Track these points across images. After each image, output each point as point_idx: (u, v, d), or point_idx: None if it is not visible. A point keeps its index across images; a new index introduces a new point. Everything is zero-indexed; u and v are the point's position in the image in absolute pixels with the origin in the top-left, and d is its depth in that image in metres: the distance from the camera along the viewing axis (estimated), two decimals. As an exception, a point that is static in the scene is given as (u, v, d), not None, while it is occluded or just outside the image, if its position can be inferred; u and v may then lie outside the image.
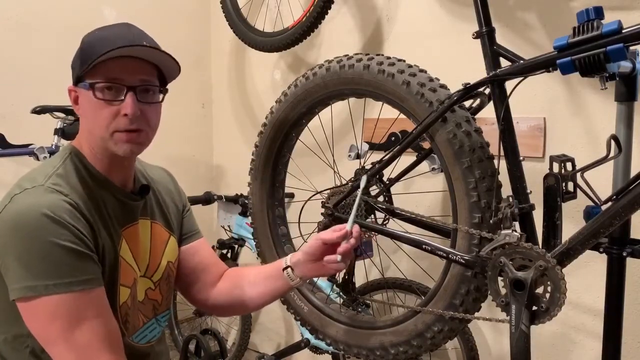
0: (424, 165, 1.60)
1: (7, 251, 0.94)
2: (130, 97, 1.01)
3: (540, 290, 1.06)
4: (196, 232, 1.32)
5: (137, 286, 1.13)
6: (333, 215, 1.36)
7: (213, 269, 1.30)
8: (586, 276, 1.56)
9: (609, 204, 1.00)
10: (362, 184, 1.27)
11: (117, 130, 1.02)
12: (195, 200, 2.34)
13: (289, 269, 1.21)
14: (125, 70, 1.01)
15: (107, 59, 0.99)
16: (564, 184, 1.09)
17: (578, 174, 1.08)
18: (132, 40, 1.01)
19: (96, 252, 1.00)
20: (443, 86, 1.23)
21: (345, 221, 1.19)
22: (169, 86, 1.12)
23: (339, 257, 1.13)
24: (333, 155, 1.62)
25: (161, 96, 1.09)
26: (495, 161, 1.15)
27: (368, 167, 1.33)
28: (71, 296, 0.94)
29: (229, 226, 2.46)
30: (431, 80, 1.23)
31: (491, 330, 1.85)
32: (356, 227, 1.16)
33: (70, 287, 0.94)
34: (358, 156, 1.80)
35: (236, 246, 2.47)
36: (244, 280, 1.28)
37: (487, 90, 1.18)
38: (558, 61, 0.99)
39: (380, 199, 1.37)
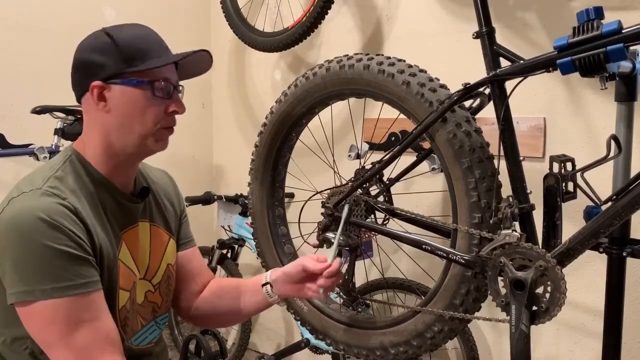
0: (424, 165, 1.60)
1: (4, 255, 0.94)
2: (179, 97, 1.09)
3: (540, 290, 1.06)
4: (190, 240, 1.32)
5: (137, 289, 1.13)
6: (333, 215, 1.36)
7: (200, 279, 1.31)
8: (586, 276, 1.57)
9: (609, 204, 1.00)
10: (344, 214, 1.29)
11: (163, 127, 1.07)
12: (195, 200, 2.34)
13: (268, 286, 1.22)
14: (171, 71, 1.08)
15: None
16: (564, 184, 1.09)
17: (578, 174, 1.08)
18: (164, 43, 1.09)
19: (94, 255, 1.00)
20: (443, 86, 1.23)
21: (348, 222, 1.19)
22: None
23: (320, 290, 1.15)
24: (333, 155, 1.62)
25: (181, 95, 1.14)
26: (495, 161, 1.15)
27: (368, 167, 1.33)
28: (68, 300, 0.94)
29: (229, 226, 2.46)
30: (431, 80, 1.23)
31: (491, 330, 1.85)
32: (336, 262, 1.16)
33: (67, 291, 0.93)
34: (358, 156, 1.80)
35: (236, 246, 2.47)
36: (224, 292, 1.28)
37: (487, 90, 1.18)
38: (558, 61, 0.99)
39: (380, 199, 1.37)
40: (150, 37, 1.08)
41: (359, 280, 1.77)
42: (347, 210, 1.30)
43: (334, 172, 1.46)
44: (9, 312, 0.97)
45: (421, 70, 1.25)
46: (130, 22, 1.11)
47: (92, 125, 1.07)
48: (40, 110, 2.09)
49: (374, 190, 1.37)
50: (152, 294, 1.18)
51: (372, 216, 1.36)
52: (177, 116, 1.10)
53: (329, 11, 1.98)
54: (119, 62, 1.02)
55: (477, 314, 1.20)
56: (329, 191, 1.40)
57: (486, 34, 1.15)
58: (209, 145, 3.04)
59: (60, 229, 0.94)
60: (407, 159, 1.38)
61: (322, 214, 1.39)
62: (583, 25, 0.96)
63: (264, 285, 1.22)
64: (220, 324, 1.32)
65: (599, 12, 0.96)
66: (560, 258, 1.05)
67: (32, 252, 0.92)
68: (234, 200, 2.42)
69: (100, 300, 0.99)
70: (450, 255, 1.16)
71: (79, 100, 1.08)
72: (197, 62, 1.12)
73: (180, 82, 1.12)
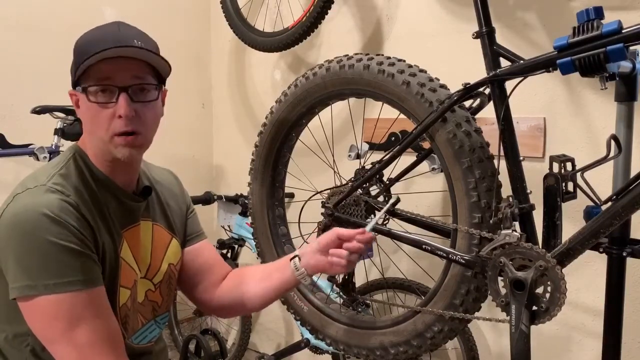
0: (424, 165, 1.60)
1: (7, 250, 0.95)
2: (123, 98, 0.99)
3: (540, 290, 1.06)
4: (200, 233, 1.32)
5: (137, 287, 1.13)
6: (333, 215, 1.36)
7: (217, 270, 1.30)
8: (586, 276, 1.57)
9: (609, 204, 1.00)
10: (392, 200, 1.27)
11: (115, 134, 1.01)
12: (195, 200, 2.31)
13: (296, 259, 1.20)
14: (117, 70, 1.00)
15: (97, 61, 0.98)
16: (564, 184, 1.09)
17: (578, 174, 1.08)
18: (120, 40, 0.99)
19: (96, 252, 1.00)
20: (443, 86, 1.23)
21: (348, 222, 1.19)
22: (167, 84, 1.11)
23: (346, 253, 1.13)
24: (333, 155, 1.62)
25: (157, 93, 1.06)
26: (495, 161, 1.15)
27: (368, 167, 1.33)
28: (71, 295, 0.94)
29: (229, 226, 2.46)
30: (431, 80, 1.23)
31: (491, 330, 1.85)
32: (371, 234, 1.16)
33: (69, 286, 0.94)
34: (358, 156, 1.80)
35: (236, 246, 2.47)
36: (248, 277, 1.28)
37: (487, 90, 1.18)
38: (558, 61, 0.99)
39: (380, 199, 1.37)
40: (100, 37, 1.00)
41: (359, 280, 1.77)
42: (395, 200, 1.28)
43: (334, 172, 1.46)
44: (11, 308, 0.97)
45: (421, 70, 1.25)
46: (112, 21, 1.08)
47: (84, 128, 1.09)
48: (40, 110, 2.09)
49: (374, 190, 1.37)
50: (152, 293, 1.18)
51: (372, 216, 1.36)
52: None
53: (329, 11, 1.98)
54: (74, 69, 1.03)
55: (477, 314, 1.20)
56: (329, 191, 1.40)
57: (486, 34, 1.15)
58: (209, 145, 3.04)
59: (64, 225, 0.94)
60: (407, 159, 1.38)
61: (322, 214, 1.39)
62: (583, 25, 0.96)
63: (291, 259, 1.21)
64: (246, 310, 1.31)
65: (599, 12, 0.96)
66: (560, 258, 1.05)
67: (36, 247, 0.93)
68: (234, 200, 2.42)
69: (102, 297, 0.99)
70: (450, 255, 1.16)
71: None
72: (155, 58, 1.04)
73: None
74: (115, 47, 0.97)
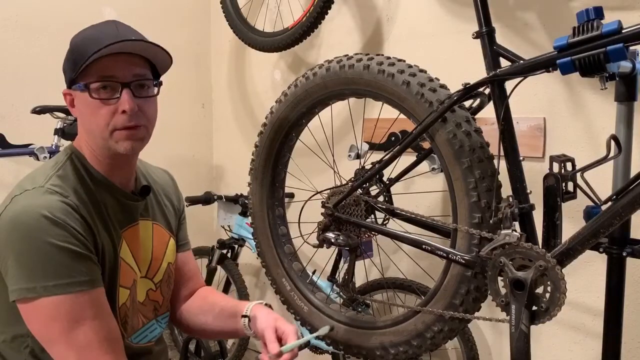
0: (424, 165, 1.60)
1: (6, 252, 0.95)
2: (126, 94, 1.00)
3: (540, 290, 1.06)
4: (186, 243, 1.33)
5: (137, 287, 1.13)
6: (333, 215, 1.36)
7: (191, 284, 1.32)
8: (586, 276, 1.57)
9: (609, 204, 1.00)
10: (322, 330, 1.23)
11: (116, 129, 1.01)
12: (195, 200, 2.34)
13: (246, 319, 1.17)
14: (118, 66, 1.01)
15: (99, 58, 0.98)
16: (564, 184, 1.09)
17: (578, 174, 1.08)
18: (119, 36, 1.00)
19: (95, 253, 1.00)
20: (443, 86, 1.23)
21: (348, 222, 1.18)
22: (167, 84, 1.12)
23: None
24: (333, 155, 1.62)
25: (156, 89, 1.08)
26: (495, 161, 1.15)
27: (368, 167, 1.33)
28: (70, 297, 0.94)
29: (229, 226, 2.46)
30: (431, 80, 1.23)
31: (491, 330, 1.85)
32: (287, 355, 1.05)
33: (69, 288, 0.94)
34: (358, 156, 1.80)
35: (236, 246, 2.47)
36: (210, 308, 1.27)
37: (487, 90, 1.18)
38: (558, 61, 0.99)
39: (380, 199, 1.37)
40: (99, 35, 1.01)
41: (359, 280, 1.77)
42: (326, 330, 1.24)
43: (334, 172, 1.46)
44: (10, 310, 0.97)
45: (421, 70, 1.25)
46: (104, 21, 1.09)
47: (79, 128, 1.09)
48: (40, 110, 2.09)
49: (374, 190, 1.37)
50: (153, 292, 1.18)
51: (372, 216, 1.36)
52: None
53: (329, 11, 1.98)
54: (70, 67, 1.03)
55: (477, 314, 1.20)
56: (329, 191, 1.40)
57: (486, 34, 1.15)
58: (209, 145, 3.04)
59: (63, 227, 0.94)
60: (407, 159, 1.38)
61: (322, 214, 1.39)
62: (583, 25, 0.96)
63: (243, 316, 1.18)
64: (200, 336, 1.32)
65: (598, 12, 0.96)
66: (560, 258, 1.05)
67: (35, 249, 0.93)
68: (234, 200, 2.42)
69: (102, 298, 0.99)
70: (450, 255, 1.16)
71: None
72: (156, 52, 1.05)
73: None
74: (118, 42, 0.98)
